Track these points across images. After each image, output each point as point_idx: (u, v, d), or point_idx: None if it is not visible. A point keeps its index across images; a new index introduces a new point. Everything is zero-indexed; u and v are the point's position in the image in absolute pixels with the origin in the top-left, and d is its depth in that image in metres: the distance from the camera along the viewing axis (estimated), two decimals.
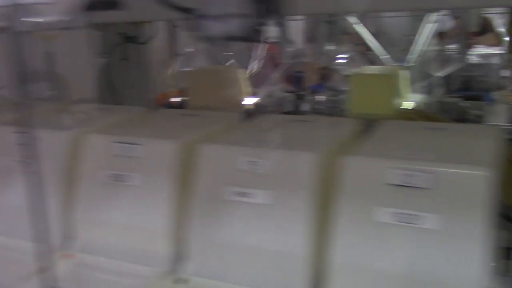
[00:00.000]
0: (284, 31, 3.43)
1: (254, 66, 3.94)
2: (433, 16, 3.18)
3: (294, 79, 3.79)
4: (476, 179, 1.05)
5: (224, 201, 1.26)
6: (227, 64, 4.01)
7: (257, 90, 3.55)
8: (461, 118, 2.99)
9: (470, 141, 1.30)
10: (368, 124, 1.51)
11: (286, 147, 1.30)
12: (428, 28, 3.18)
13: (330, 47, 3.79)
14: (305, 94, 3.17)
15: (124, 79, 3.30)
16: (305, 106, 3.24)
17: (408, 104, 2.86)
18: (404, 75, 2.86)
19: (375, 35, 4.63)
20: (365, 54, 3.68)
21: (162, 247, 1.37)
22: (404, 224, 1.07)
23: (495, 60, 3.58)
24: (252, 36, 1.28)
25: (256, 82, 3.74)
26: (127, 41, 3.19)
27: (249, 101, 3.42)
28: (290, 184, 1.20)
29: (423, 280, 1.07)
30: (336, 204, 1.15)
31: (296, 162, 1.21)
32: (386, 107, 2.55)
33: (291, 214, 1.18)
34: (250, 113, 1.82)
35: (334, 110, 2.90)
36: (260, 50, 4.00)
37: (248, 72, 3.86)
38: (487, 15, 4.06)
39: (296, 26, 4.63)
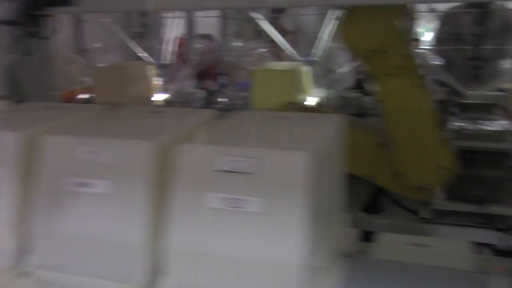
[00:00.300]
0: (191, 27, 3.44)
1: (166, 61, 3.91)
2: (337, 13, 3.28)
3: (214, 76, 3.81)
4: (296, 163, 1.08)
5: (66, 192, 1.25)
6: (139, 59, 3.96)
7: (169, 86, 3.53)
8: (362, 112, 3.13)
9: (306, 128, 1.34)
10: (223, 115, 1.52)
11: (126, 136, 1.30)
12: (331, 24, 3.26)
13: (238, 43, 3.84)
14: (215, 90, 3.20)
15: (28, 75, 3.19)
16: (216, 102, 3.26)
17: (311, 99, 2.96)
18: (307, 71, 2.95)
19: (293, 32, 4.74)
20: (274, 50, 3.75)
21: (5, 240, 1.33)
22: (232, 208, 1.12)
23: None
24: (26, 22, 1.24)
25: (168, 78, 3.71)
26: (29, 35, 3.08)
27: (159, 97, 3.40)
28: (129, 174, 1.21)
29: (251, 262, 1.11)
30: (172, 192, 1.18)
31: (134, 151, 1.22)
32: (288, 100, 2.61)
33: (129, 204, 1.20)
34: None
35: (240, 105, 2.95)
36: (172, 46, 3.96)
37: (158, 67, 3.83)
38: None
39: (211, 22, 4.64)
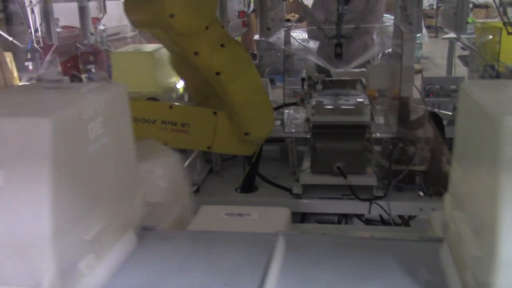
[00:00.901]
0: (47, 11, 3.24)
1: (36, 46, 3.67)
2: None
3: (83, 62, 3.63)
4: (37, 130, 0.95)
5: None
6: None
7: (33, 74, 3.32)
8: None
9: (69, 97, 1.20)
10: None
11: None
12: None
13: (102, 27, 3.69)
14: (79, 76, 3.04)
15: None
16: None
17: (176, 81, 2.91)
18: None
19: None
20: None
21: None
22: None
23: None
24: None
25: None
26: None
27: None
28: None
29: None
30: None
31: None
32: (147, 85, 2.55)
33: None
34: None
35: None
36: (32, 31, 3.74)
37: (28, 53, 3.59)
38: None
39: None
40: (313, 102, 2.56)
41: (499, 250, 0.79)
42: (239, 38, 6.57)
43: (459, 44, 4.11)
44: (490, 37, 2.87)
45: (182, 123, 2.39)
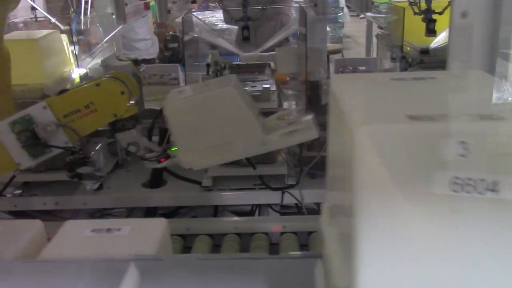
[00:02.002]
0: None
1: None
2: None
3: None
4: None
5: None
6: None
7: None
8: None
9: None
10: None
11: None
12: None
13: None
14: None
15: None
16: None
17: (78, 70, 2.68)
18: (60, 39, 2.63)
19: None
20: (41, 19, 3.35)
21: None
22: None
23: None
24: None
25: None
26: None
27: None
28: None
29: None
30: None
31: None
32: (34, 76, 2.31)
33: None
34: None
35: None
36: None
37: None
38: None
39: None
40: None
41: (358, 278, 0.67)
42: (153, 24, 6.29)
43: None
44: (395, 17, 2.83)
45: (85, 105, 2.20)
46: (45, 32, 2.50)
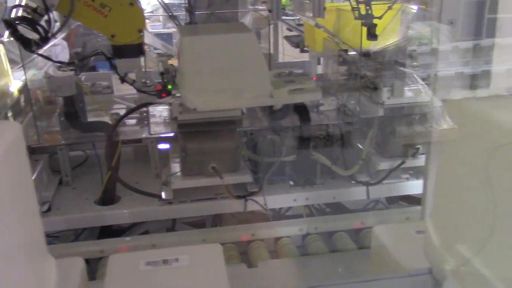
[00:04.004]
0: None
1: None
2: None
3: None
4: None
5: None
6: None
7: None
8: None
9: None
10: None
11: None
12: None
13: None
14: None
15: None
16: None
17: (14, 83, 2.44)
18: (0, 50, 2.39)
19: None
20: None
21: None
22: None
23: None
24: None
25: None
26: None
27: None
28: None
29: None
30: None
31: None
32: None
33: None
34: None
35: None
36: None
37: None
38: None
39: None
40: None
41: None
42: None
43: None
44: (339, 21, 2.92)
45: (101, 2, 2.06)
46: None
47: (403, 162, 2.63)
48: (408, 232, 1.08)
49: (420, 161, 2.65)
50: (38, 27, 2.11)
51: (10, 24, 2.06)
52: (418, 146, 2.63)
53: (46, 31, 2.13)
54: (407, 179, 2.72)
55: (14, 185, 0.91)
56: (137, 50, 2.12)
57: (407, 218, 2.62)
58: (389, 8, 2.91)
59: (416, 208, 2.69)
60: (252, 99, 2.12)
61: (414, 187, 2.71)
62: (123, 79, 2.32)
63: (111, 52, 2.28)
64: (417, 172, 2.73)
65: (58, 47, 5.93)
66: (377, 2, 3.53)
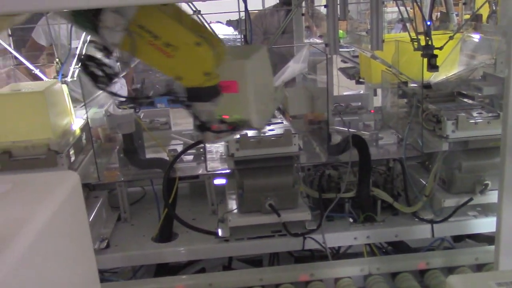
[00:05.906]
0: None
1: None
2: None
3: None
4: None
5: None
6: None
7: None
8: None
9: None
10: None
11: None
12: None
13: None
14: None
15: None
16: None
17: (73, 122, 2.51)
18: (61, 90, 2.47)
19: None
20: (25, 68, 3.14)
21: None
22: None
23: None
24: None
25: None
26: None
27: None
28: None
29: None
30: None
31: None
32: (40, 131, 2.12)
33: None
34: None
35: None
36: None
37: None
38: None
39: None
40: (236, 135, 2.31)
41: None
42: None
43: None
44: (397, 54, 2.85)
45: (166, 42, 1.85)
46: (47, 83, 2.33)
47: (470, 199, 2.49)
48: (488, 285, 0.98)
49: (489, 197, 2.51)
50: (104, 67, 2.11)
51: (83, 62, 1.99)
52: (486, 182, 2.48)
53: (111, 69, 2.11)
54: (475, 216, 2.56)
55: (72, 234, 0.90)
56: (215, 92, 1.89)
57: (476, 258, 2.46)
58: (451, 38, 2.82)
59: (486, 248, 2.55)
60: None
61: (483, 225, 2.55)
62: (204, 127, 1.89)
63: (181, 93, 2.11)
64: (486, 209, 2.58)
65: (117, 85, 6.13)
66: (437, 32, 3.44)
